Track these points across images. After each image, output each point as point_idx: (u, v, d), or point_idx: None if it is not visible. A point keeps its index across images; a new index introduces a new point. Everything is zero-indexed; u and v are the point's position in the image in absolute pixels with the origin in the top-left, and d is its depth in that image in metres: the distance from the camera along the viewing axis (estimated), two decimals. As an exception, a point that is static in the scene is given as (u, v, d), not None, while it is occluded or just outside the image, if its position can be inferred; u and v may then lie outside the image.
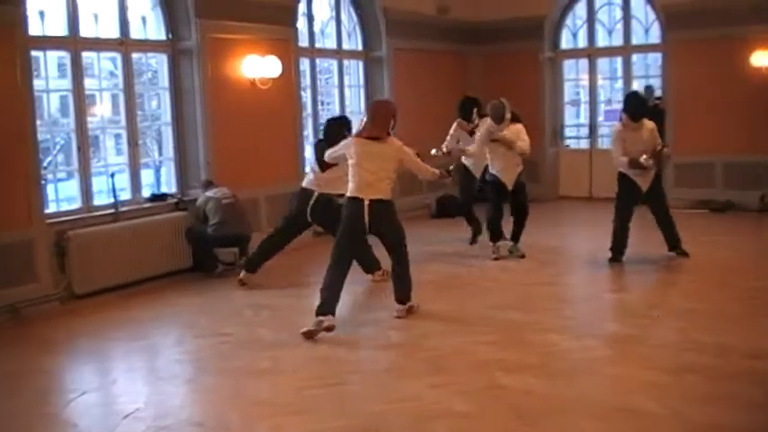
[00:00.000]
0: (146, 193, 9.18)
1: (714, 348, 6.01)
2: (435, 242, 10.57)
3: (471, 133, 9.94)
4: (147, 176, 9.60)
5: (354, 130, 7.57)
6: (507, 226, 9.45)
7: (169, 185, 9.58)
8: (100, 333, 7.08)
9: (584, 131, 14.54)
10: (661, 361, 5.83)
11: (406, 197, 12.63)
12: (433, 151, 9.62)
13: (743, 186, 12.51)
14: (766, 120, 12.30)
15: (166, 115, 9.51)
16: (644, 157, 8.44)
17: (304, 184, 8.45)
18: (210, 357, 6.35)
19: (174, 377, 5.98)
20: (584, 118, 14.87)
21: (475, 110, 10.04)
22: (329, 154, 7.47)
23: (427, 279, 8.58)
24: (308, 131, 11.43)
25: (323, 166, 8.04)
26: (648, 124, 8.79)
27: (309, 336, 6.55)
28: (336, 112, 12.11)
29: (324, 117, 12.09)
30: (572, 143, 14.80)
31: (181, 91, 9.44)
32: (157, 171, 9.93)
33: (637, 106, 8.77)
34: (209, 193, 8.93)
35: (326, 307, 6.69)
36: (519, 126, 9.28)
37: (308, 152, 11.38)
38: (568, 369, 5.74)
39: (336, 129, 8.26)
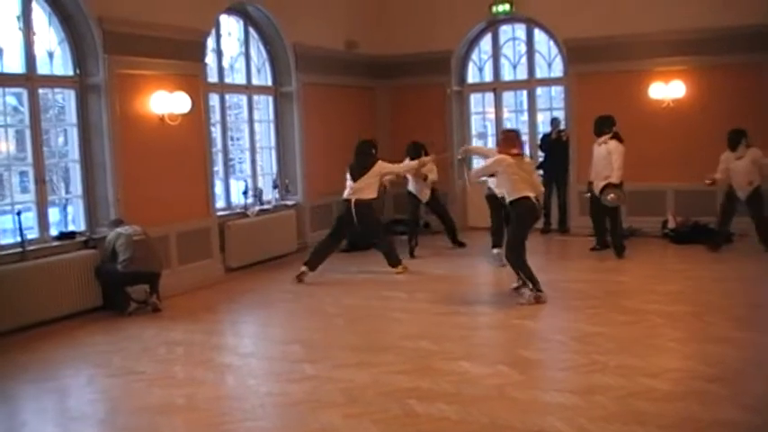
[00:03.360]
0: (53, 231, 9.02)
1: (617, 369, 6.26)
2: (346, 275, 10.68)
3: (425, 178, 11.90)
4: (53, 215, 9.41)
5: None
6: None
7: (77, 223, 9.42)
8: (7, 375, 6.88)
9: (492, 163, 14.81)
10: (569, 383, 6.04)
11: (317, 231, 12.68)
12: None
13: (645, 213, 12.99)
14: (665, 149, 12.83)
15: (74, 152, 9.37)
16: None
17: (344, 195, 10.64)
18: (123, 396, 6.27)
19: (86, 417, 5.89)
20: (491, 150, 15.12)
21: (423, 153, 11.88)
22: (483, 169, 9.29)
23: (338, 312, 8.69)
24: (219, 167, 11.40)
25: (355, 177, 10.50)
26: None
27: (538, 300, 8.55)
28: (247, 147, 12.14)
29: (234, 152, 12.17)
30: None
31: (89, 127, 9.32)
32: (64, 209, 9.75)
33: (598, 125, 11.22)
34: (120, 230, 8.84)
35: (538, 285, 8.61)
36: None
37: (219, 188, 11.36)
38: (480, 395, 5.86)
39: (365, 146, 10.76)
